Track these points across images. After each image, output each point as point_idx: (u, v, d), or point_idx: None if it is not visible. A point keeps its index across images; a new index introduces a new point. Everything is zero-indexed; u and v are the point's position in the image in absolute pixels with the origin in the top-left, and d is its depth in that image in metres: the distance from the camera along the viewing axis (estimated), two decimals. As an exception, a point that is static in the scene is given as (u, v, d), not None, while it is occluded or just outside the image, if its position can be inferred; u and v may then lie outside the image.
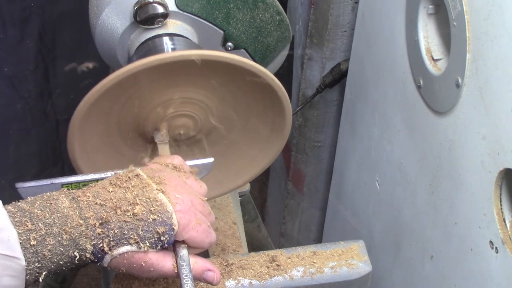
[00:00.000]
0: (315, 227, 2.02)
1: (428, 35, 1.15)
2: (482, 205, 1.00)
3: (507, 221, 0.96)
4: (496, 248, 0.97)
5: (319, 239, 2.00)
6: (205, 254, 1.13)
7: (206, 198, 0.88)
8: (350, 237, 1.46)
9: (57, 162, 1.93)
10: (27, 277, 0.73)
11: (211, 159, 0.97)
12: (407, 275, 1.30)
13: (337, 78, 1.66)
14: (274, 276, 0.95)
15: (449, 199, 1.11)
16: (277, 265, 0.96)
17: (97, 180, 0.88)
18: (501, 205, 0.97)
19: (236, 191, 1.32)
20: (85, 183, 0.88)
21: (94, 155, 0.99)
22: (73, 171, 0.95)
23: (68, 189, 0.82)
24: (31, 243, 0.73)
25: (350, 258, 0.98)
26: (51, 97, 1.86)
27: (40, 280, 0.75)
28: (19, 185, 0.86)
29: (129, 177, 0.82)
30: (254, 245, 1.48)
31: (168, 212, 0.80)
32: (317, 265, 0.96)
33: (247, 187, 1.38)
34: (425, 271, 1.22)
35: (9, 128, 1.81)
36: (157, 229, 0.79)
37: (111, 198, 0.79)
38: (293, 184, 1.97)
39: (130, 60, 1.07)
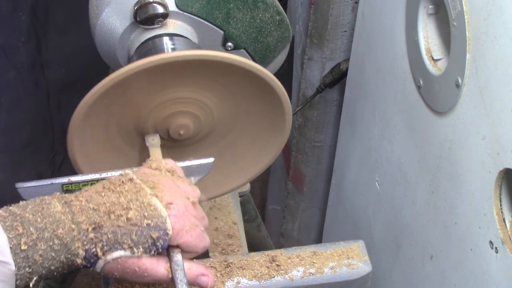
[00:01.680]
0: (315, 227, 2.02)
1: (428, 35, 1.15)
2: (482, 205, 1.00)
3: (507, 221, 0.96)
4: (496, 248, 0.97)
5: (319, 239, 2.00)
6: (204, 254, 1.13)
7: (202, 201, 0.87)
8: (350, 237, 1.46)
9: (48, 132, 1.96)
10: (17, 282, 0.72)
11: (211, 159, 0.97)
12: (407, 275, 1.30)
13: (337, 78, 1.66)
14: (274, 276, 0.95)
15: (449, 199, 1.11)
16: (277, 265, 0.96)
17: (97, 180, 0.88)
18: (501, 205, 0.97)
19: (236, 191, 1.32)
20: (85, 183, 0.88)
21: (94, 155, 0.99)
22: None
23: (69, 190, 0.82)
24: (22, 248, 0.72)
25: (350, 258, 0.98)
26: (43, 69, 1.88)
27: (31, 285, 0.74)
28: (19, 185, 0.86)
29: (122, 181, 0.82)
30: (254, 245, 1.48)
31: (162, 216, 0.79)
32: (317, 265, 0.96)
33: (247, 187, 1.38)
34: (425, 271, 1.22)
35: (1, 96, 1.84)
36: (151, 234, 0.78)
37: (104, 203, 0.78)
38: (293, 184, 1.97)
39: (130, 60, 1.07)
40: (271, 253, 0.98)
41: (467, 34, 0.98)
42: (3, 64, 1.80)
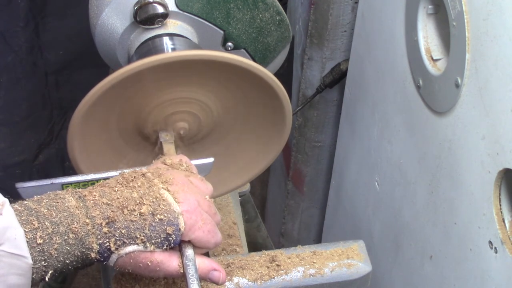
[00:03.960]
0: (315, 227, 2.03)
1: (427, 35, 1.15)
2: (482, 205, 1.00)
3: (506, 221, 0.97)
4: (495, 248, 0.97)
5: (319, 239, 2.00)
6: (205, 254, 1.13)
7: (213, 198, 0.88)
8: (350, 237, 1.46)
9: (46, 106, 2.00)
10: (33, 276, 0.73)
11: (211, 159, 0.97)
12: (407, 275, 1.30)
13: (337, 78, 1.66)
14: (274, 276, 0.95)
15: (448, 199, 1.11)
16: (277, 265, 0.96)
17: (97, 180, 0.88)
18: (500, 205, 0.97)
19: (236, 191, 1.32)
20: (85, 183, 0.89)
21: (94, 155, 0.99)
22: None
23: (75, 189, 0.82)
24: (38, 241, 0.73)
25: (350, 258, 0.98)
26: (41, 51, 1.93)
27: (46, 279, 0.75)
28: (19, 185, 0.87)
29: (135, 177, 0.82)
30: (254, 245, 1.48)
31: (175, 212, 0.80)
32: (317, 265, 0.96)
33: (247, 187, 1.38)
34: (425, 271, 1.22)
35: (0, 77, 1.86)
36: (164, 229, 0.79)
37: (117, 198, 0.79)
38: (293, 184, 1.97)
39: (130, 60, 1.07)
40: (271, 253, 0.98)
41: (466, 34, 0.98)
42: (2, 48, 1.84)
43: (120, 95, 0.93)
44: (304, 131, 1.82)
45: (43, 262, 0.74)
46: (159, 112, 0.99)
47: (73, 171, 0.96)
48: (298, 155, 1.89)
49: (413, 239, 1.26)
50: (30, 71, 1.93)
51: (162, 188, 0.81)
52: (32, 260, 0.72)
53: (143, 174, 0.83)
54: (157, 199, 0.80)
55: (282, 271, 0.95)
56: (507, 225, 0.96)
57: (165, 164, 0.89)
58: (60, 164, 2.09)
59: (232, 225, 1.24)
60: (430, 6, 1.13)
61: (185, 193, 0.82)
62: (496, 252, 0.97)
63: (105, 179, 0.88)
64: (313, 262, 0.97)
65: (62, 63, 1.96)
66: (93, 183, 0.88)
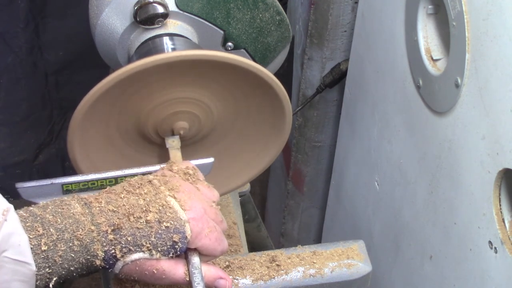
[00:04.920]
0: (315, 227, 2.03)
1: (427, 35, 1.15)
2: (482, 205, 1.00)
3: (506, 221, 0.97)
4: (495, 248, 0.97)
5: (319, 239, 2.00)
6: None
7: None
8: (350, 237, 1.46)
9: (46, 106, 2.02)
10: (37, 283, 0.73)
11: (211, 159, 0.97)
12: (407, 275, 1.30)
13: (337, 78, 1.66)
14: (274, 276, 0.95)
15: (448, 199, 1.11)
16: (277, 265, 0.96)
17: (97, 180, 0.88)
18: (500, 205, 0.97)
19: (236, 191, 1.32)
20: (85, 183, 0.88)
21: (94, 155, 0.99)
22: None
23: (69, 190, 0.82)
24: (42, 248, 0.73)
25: (350, 258, 0.98)
26: (41, 52, 1.94)
27: (51, 286, 0.74)
28: (19, 185, 0.87)
29: (141, 184, 0.82)
30: (254, 245, 1.48)
31: (181, 219, 0.79)
32: (317, 265, 0.96)
33: (247, 187, 1.38)
34: (425, 271, 1.22)
35: (0, 78, 1.87)
36: (170, 236, 0.79)
37: (123, 205, 0.79)
38: (293, 184, 1.97)
39: (130, 60, 1.07)
40: (271, 253, 0.98)
41: (466, 34, 0.98)
42: (2, 49, 1.85)
43: (120, 95, 0.93)
44: (304, 131, 1.82)
45: (47, 269, 0.73)
46: (159, 112, 0.98)
47: (73, 171, 0.96)
48: (298, 155, 1.89)
49: (413, 239, 1.26)
50: (30, 72, 1.93)
51: (169, 195, 0.81)
52: (36, 267, 0.72)
53: (150, 181, 0.83)
54: (164, 207, 0.80)
55: (282, 271, 0.95)
56: (507, 225, 0.96)
57: (171, 170, 0.88)
58: (60, 164, 2.09)
59: (232, 225, 1.24)
60: (430, 6, 1.13)
61: (191, 200, 0.82)
62: (496, 252, 0.97)
63: (105, 179, 0.88)
64: (313, 262, 0.97)
65: (62, 63, 1.97)
66: (94, 183, 0.88)
